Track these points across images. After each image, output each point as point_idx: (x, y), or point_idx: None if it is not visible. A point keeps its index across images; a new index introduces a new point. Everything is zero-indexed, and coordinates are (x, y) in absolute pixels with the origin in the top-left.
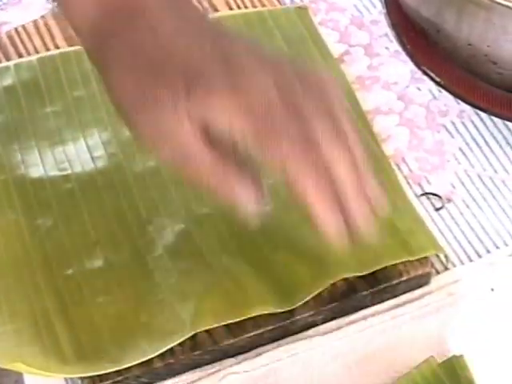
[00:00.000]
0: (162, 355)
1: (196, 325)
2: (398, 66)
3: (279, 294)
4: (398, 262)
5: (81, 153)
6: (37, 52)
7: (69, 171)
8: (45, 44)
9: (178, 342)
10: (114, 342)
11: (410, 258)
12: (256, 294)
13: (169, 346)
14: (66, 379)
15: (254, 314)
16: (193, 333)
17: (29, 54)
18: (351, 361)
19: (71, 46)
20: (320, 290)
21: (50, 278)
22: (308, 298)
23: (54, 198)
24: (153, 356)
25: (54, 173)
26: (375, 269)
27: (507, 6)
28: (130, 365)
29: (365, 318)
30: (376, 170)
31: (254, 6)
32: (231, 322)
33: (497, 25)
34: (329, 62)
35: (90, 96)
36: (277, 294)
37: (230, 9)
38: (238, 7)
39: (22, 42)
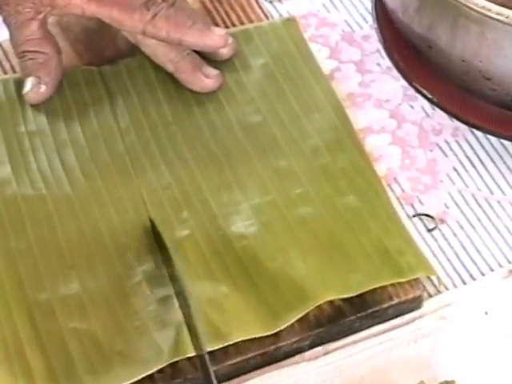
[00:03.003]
0: (141, 382)
1: (174, 353)
2: (390, 83)
3: (264, 317)
4: (386, 283)
5: (56, 173)
6: (14, 71)
7: (44, 191)
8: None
9: (155, 370)
10: (88, 369)
11: (400, 280)
12: (238, 319)
13: (145, 374)
14: None
15: (235, 340)
16: (170, 361)
17: (5, 72)
18: None
19: None
20: (305, 312)
21: (23, 301)
22: (293, 321)
23: (29, 218)
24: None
25: (28, 191)
26: (362, 291)
27: (499, 20)
28: None
29: (353, 343)
30: (367, 190)
31: (241, 22)
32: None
33: (489, 40)
34: (318, 78)
35: (67, 117)
36: (261, 316)
37: (217, 25)
38: (224, 23)
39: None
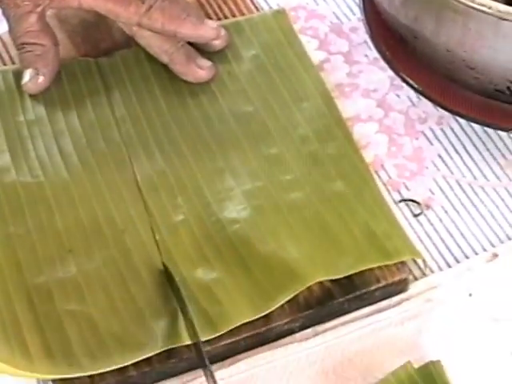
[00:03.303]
0: (136, 363)
1: (169, 341)
2: (378, 73)
3: (255, 300)
4: (373, 266)
5: (54, 161)
6: (13, 62)
7: (42, 178)
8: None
9: (150, 355)
10: (85, 351)
11: (387, 263)
12: (231, 307)
13: (140, 358)
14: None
15: (230, 328)
16: (164, 348)
17: (4, 63)
18: (328, 366)
19: None
20: (296, 293)
21: (21, 285)
22: (283, 302)
23: (27, 204)
24: (125, 365)
25: (26, 179)
26: (350, 273)
27: (482, 11)
28: (100, 371)
29: (342, 324)
30: (354, 177)
31: (233, 15)
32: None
33: (473, 30)
34: (307, 68)
35: (64, 106)
36: (253, 300)
37: (209, 18)
38: (216, 15)
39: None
